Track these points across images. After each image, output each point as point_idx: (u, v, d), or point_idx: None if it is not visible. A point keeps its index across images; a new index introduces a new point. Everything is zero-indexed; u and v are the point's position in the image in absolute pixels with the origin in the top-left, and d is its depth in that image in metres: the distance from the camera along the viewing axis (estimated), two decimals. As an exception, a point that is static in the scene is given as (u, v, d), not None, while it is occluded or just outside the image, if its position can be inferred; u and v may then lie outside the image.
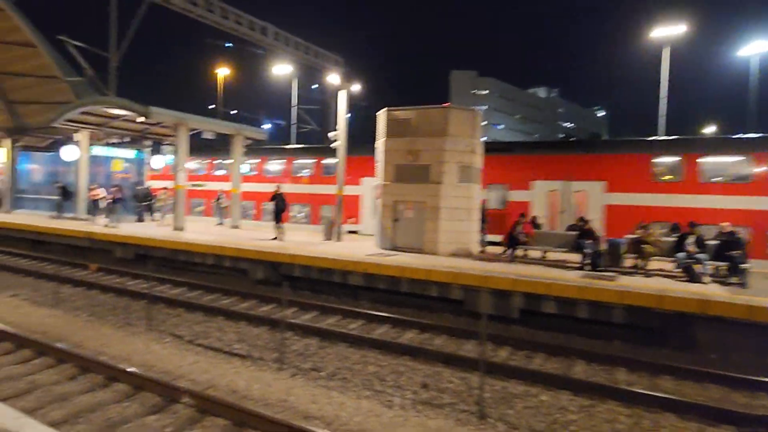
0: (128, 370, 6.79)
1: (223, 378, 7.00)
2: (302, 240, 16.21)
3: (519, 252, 13.20)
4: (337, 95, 19.76)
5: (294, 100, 42.19)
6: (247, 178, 22.92)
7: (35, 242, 18.33)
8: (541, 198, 18.01)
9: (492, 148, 18.15)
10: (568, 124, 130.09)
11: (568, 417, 6.06)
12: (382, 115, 14.83)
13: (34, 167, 27.05)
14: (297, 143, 36.75)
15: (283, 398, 6.40)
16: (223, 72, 44.81)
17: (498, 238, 15.35)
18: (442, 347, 8.61)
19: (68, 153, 20.44)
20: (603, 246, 11.99)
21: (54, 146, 27.65)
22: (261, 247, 13.42)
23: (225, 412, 5.79)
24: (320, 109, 37.80)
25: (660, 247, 11.58)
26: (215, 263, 14.04)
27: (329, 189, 23.23)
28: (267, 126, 62.64)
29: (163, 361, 7.60)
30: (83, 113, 18.76)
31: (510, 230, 12.86)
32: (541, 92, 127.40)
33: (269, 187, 23.31)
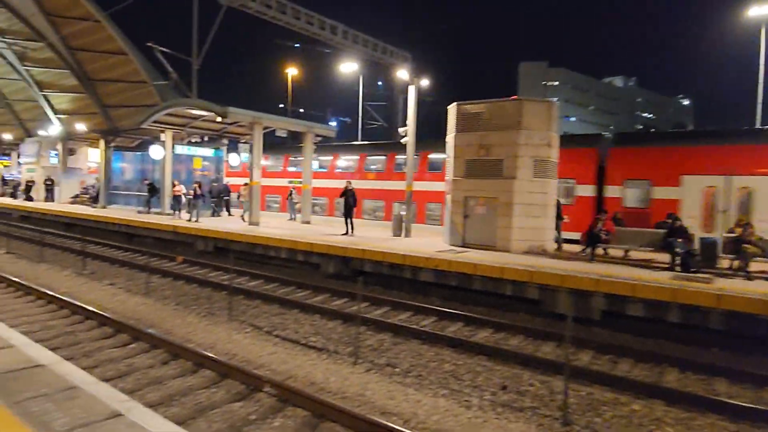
0: (214, 358, 7.13)
1: (300, 369, 7.17)
2: (372, 235, 16.33)
3: (598, 251, 12.49)
4: (403, 91, 19.63)
5: (360, 98, 42.75)
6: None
7: (128, 235, 19.84)
8: (694, 195, 15.38)
9: (628, 139, 17.01)
10: (647, 115, 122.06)
11: (665, 430, 5.62)
12: (452, 110, 14.59)
13: (124, 166, 29.35)
14: (363, 140, 37.19)
15: (360, 392, 6.44)
16: (291, 72, 46.26)
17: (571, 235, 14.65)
18: (519, 348, 8.32)
19: (155, 152, 21.90)
20: (695, 245, 11.06)
21: (141, 146, 29.86)
22: (332, 242, 13.66)
23: (305, 403, 5.91)
24: (387, 105, 37.92)
25: (762, 248, 10.51)
26: (288, 257, 14.48)
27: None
28: (333, 123, 63.97)
29: (244, 350, 7.91)
30: (168, 114, 20.03)
31: (589, 227, 12.20)
32: (618, 81, 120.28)
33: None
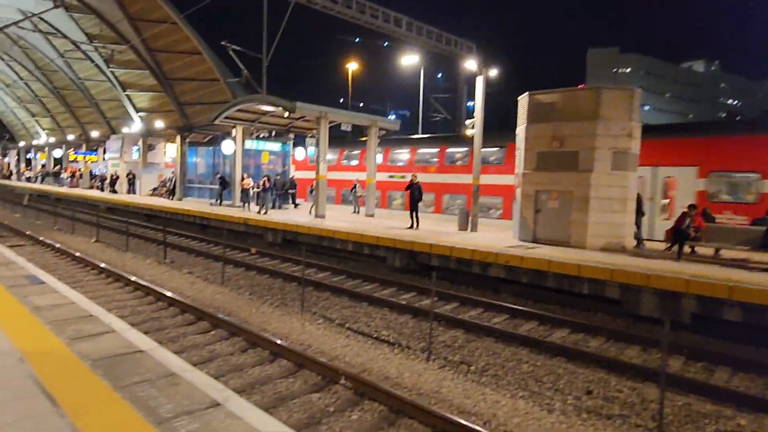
0: (291, 348, 7.27)
1: (374, 363, 7.16)
2: (436, 229, 16.14)
3: (685, 249, 11.58)
4: (467, 83, 19.10)
5: (421, 90, 42.39)
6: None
7: (202, 226, 20.85)
8: None
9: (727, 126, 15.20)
10: (732, 101, 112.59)
11: (779, 449, 5.08)
12: (523, 100, 14.04)
13: (197, 160, 30.88)
14: (424, 133, 36.90)
15: (435, 389, 6.32)
16: (351, 66, 46.73)
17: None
18: (600, 350, 7.87)
19: (227, 147, 22.82)
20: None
21: (212, 141, 31.28)
22: (399, 236, 13.60)
23: (382, 397, 5.88)
24: (449, 97, 37.39)
25: None
26: (355, 250, 14.59)
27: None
28: (392, 117, 64.05)
29: (318, 341, 8.02)
30: (239, 110, 20.79)
31: (676, 224, 11.34)
32: (699, 66, 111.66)
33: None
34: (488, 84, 19.12)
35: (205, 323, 8.72)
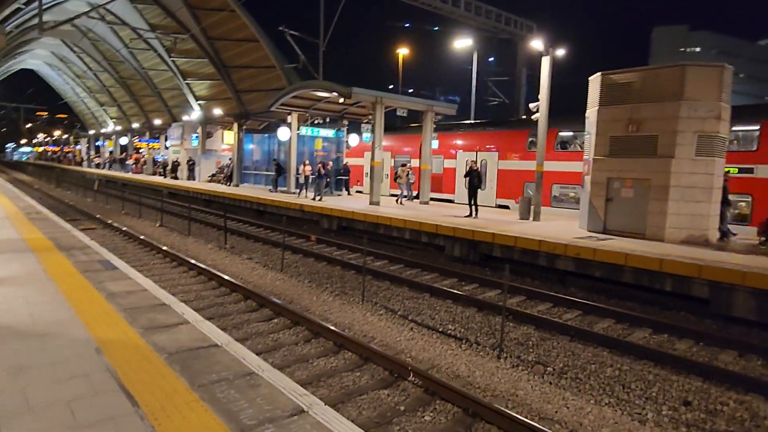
0: (355, 339, 7.05)
1: (442, 359, 6.82)
2: (494, 218, 15.51)
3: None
4: (526, 65, 18.09)
5: (474, 74, 41.06)
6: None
7: (258, 212, 21.16)
8: None
9: None
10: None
11: None
12: (594, 81, 13.08)
13: (252, 147, 31.43)
14: (476, 118, 35.82)
15: (511, 391, 5.90)
16: (402, 52, 45.91)
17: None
18: (691, 354, 7.15)
19: (283, 133, 22.97)
20: None
21: (267, 128, 31.71)
22: (459, 225, 13.12)
23: (455, 398, 5.53)
24: (505, 81, 35.99)
25: None
26: (412, 238, 14.25)
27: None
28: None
29: (382, 333, 7.76)
30: (294, 97, 20.79)
31: (771, 216, 10.22)
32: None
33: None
34: (538, 66, 18.01)
35: (268, 310, 8.67)
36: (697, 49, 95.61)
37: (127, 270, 6.50)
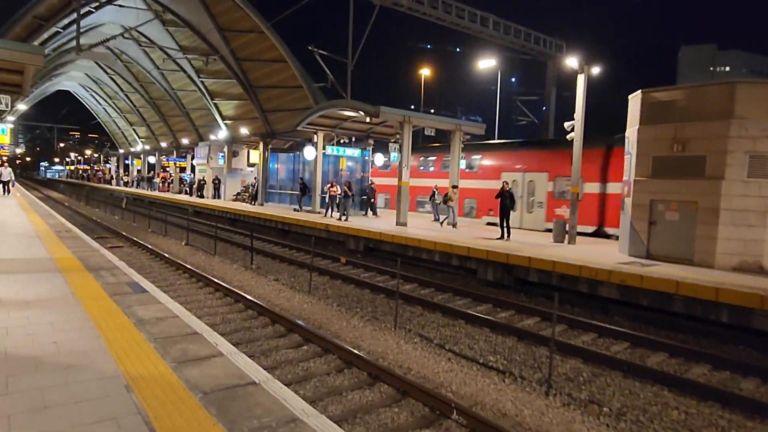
0: (392, 371, 6.60)
1: (486, 395, 6.31)
2: (527, 240, 14.96)
3: None
4: (556, 83, 17.64)
5: (498, 94, 40.79)
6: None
7: (283, 231, 20.98)
8: None
9: None
10: None
11: None
12: (635, 99, 12.60)
13: (278, 166, 31.54)
14: (501, 137, 35.40)
15: (566, 435, 5.36)
16: (424, 72, 46.09)
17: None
18: (761, 396, 6.48)
19: (309, 153, 22.90)
20: None
21: (292, 147, 31.83)
22: (493, 247, 12.63)
23: (506, 442, 5.03)
24: (531, 100, 35.63)
25: None
26: (442, 261, 13.79)
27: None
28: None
29: (418, 364, 7.30)
30: (321, 116, 20.76)
31: (836, 242, 9.47)
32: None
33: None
34: (567, 86, 17.42)
35: (297, 336, 8.29)
36: (727, 68, 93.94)
37: (156, 293, 6.23)
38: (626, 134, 13.02)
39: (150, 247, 16.33)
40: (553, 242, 14.88)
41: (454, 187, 19.00)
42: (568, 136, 14.89)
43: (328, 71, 19.37)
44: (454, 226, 18.11)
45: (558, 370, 7.03)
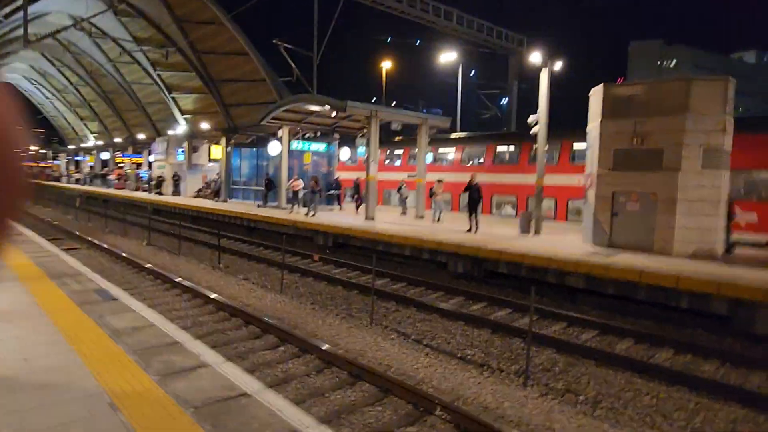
0: (372, 369, 6.61)
1: (466, 389, 6.41)
2: (495, 232, 15.24)
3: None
4: (518, 77, 17.93)
5: (459, 87, 41.21)
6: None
7: (249, 228, 20.56)
8: None
9: None
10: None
11: None
12: (596, 93, 12.98)
13: (240, 162, 30.83)
14: (462, 131, 35.82)
15: (546, 425, 5.52)
16: (386, 66, 45.97)
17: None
18: (721, 377, 6.87)
19: (273, 148, 22.50)
20: None
21: (256, 143, 31.17)
22: (463, 241, 12.79)
23: (490, 435, 5.13)
24: (490, 94, 36.14)
25: None
26: (412, 255, 13.87)
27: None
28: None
29: (397, 360, 7.33)
30: (285, 111, 20.40)
31: (782, 229, 10.11)
32: (750, 57, 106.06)
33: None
34: (520, 79, 17.75)
35: (273, 337, 8.17)
36: (673, 63, 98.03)
37: (127, 300, 5.98)
38: (588, 128, 13.42)
39: (109, 248, 15.68)
40: (520, 233, 15.23)
41: (439, 181, 19.10)
42: (531, 131, 15.21)
43: (293, 65, 19.01)
44: (437, 220, 18.05)
45: (534, 361, 7.22)
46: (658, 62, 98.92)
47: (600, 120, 12.71)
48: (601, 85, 12.80)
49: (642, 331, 8.61)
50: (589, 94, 13.40)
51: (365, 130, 19.23)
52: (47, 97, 56.63)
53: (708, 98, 11.25)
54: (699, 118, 11.22)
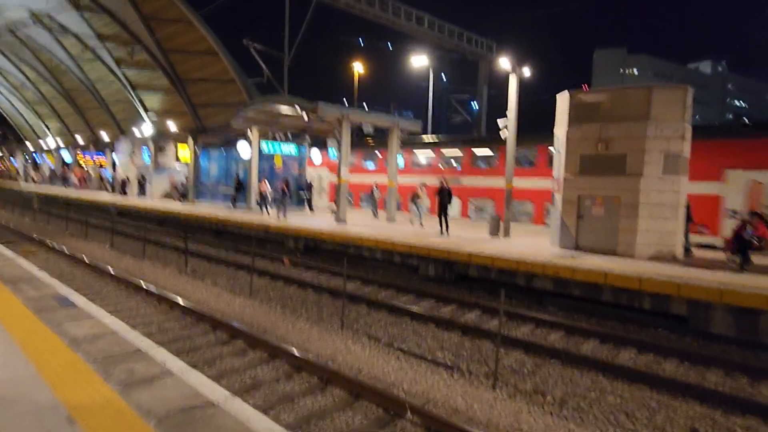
0: (342, 374, 6.56)
1: (437, 391, 6.44)
2: (465, 235, 15.42)
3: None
4: (488, 82, 18.21)
5: (430, 92, 41.60)
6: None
7: (217, 231, 20.17)
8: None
9: None
10: (740, 103, 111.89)
11: None
12: (562, 99, 13.30)
13: (209, 162, 30.24)
14: (433, 134, 36.14)
15: (515, 426, 5.60)
16: (357, 68, 46.01)
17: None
18: (680, 375, 7.12)
19: (243, 149, 22.16)
20: None
21: (225, 143, 30.64)
22: (434, 245, 12.88)
23: (460, 438, 5.16)
24: (462, 98, 36.63)
25: None
26: (384, 258, 13.88)
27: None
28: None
29: (368, 364, 7.30)
30: (256, 111, 20.14)
31: (737, 231, 10.57)
32: (705, 67, 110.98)
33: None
34: (490, 84, 18.04)
35: (241, 342, 8.02)
36: (635, 71, 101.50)
37: (87, 306, 5.75)
38: (555, 133, 13.73)
39: (70, 252, 15.09)
40: (490, 236, 15.45)
41: (423, 184, 19.12)
42: (501, 134, 15.46)
43: (263, 66, 18.78)
44: (421, 224, 17.96)
45: (503, 362, 7.31)
46: (621, 70, 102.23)
47: (566, 126, 13.03)
48: (566, 91, 13.13)
49: (607, 332, 8.84)
50: (556, 99, 13.71)
51: (337, 133, 19.15)
52: (2, 94, 54.20)
53: (668, 106, 11.68)
54: (660, 124, 11.64)
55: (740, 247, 10.42)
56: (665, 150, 11.69)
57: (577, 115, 12.82)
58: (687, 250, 12.65)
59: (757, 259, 11.09)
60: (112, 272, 12.41)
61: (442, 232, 15.31)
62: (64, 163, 46.86)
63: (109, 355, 4.10)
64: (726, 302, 8.36)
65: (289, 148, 24.59)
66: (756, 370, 7.21)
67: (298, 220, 19.08)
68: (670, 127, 11.65)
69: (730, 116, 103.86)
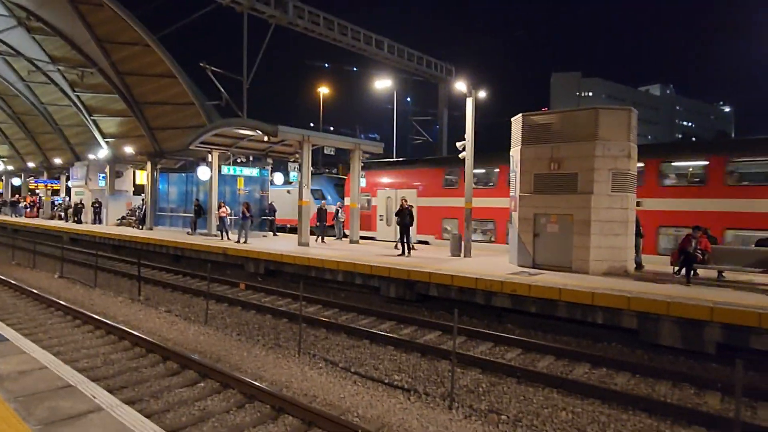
0: (295, 401, 6.38)
1: (392, 415, 6.34)
2: (426, 255, 15.50)
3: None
4: (448, 105, 18.62)
5: (395, 114, 42.21)
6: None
7: (175, 257, 19.59)
8: None
9: None
10: (687, 123, 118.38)
11: None
12: (517, 121, 13.71)
13: (167, 187, 29.49)
14: (398, 156, 36.53)
15: (469, 447, 5.55)
16: (323, 91, 46.29)
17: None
18: (631, 389, 7.26)
19: (203, 173, 21.75)
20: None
21: (184, 167, 30.01)
22: (395, 265, 12.87)
23: (412, 462, 5.07)
24: (424, 120, 37.30)
25: None
26: (345, 280, 13.76)
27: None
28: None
29: (324, 390, 7.14)
30: (215, 135, 19.88)
31: (682, 246, 11.02)
32: (655, 90, 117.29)
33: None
34: (453, 107, 18.49)
35: (192, 373, 7.71)
36: (590, 94, 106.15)
37: (18, 341, 5.42)
38: (511, 153, 14.09)
39: (14, 282, 14.31)
40: (450, 256, 15.58)
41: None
42: (460, 155, 15.76)
43: (221, 89, 18.64)
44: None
45: (459, 382, 7.29)
46: (577, 93, 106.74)
47: (520, 146, 13.41)
48: (520, 114, 13.55)
49: (562, 348, 8.97)
50: (511, 121, 14.11)
51: (297, 155, 19.09)
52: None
53: (614, 126, 12.20)
54: (607, 144, 12.12)
55: (685, 261, 10.84)
56: (613, 168, 12.15)
57: (530, 136, 13.21)
58: (638, 265, 13.08)
59: (703, 272, 11.57)
60: (59, 302, 11.82)
61: (403, 252, 15.34)
62: (15, 190, 44.84)
63: (34, 392, 3.84)
64: (673, 314, 8.64)
65: (251, 171, 24.28)
66: (701, 380, 7.44)
67: (260, 243, 18.76)
68: (617, 147, 12.14)
69: (680, 136, 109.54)
